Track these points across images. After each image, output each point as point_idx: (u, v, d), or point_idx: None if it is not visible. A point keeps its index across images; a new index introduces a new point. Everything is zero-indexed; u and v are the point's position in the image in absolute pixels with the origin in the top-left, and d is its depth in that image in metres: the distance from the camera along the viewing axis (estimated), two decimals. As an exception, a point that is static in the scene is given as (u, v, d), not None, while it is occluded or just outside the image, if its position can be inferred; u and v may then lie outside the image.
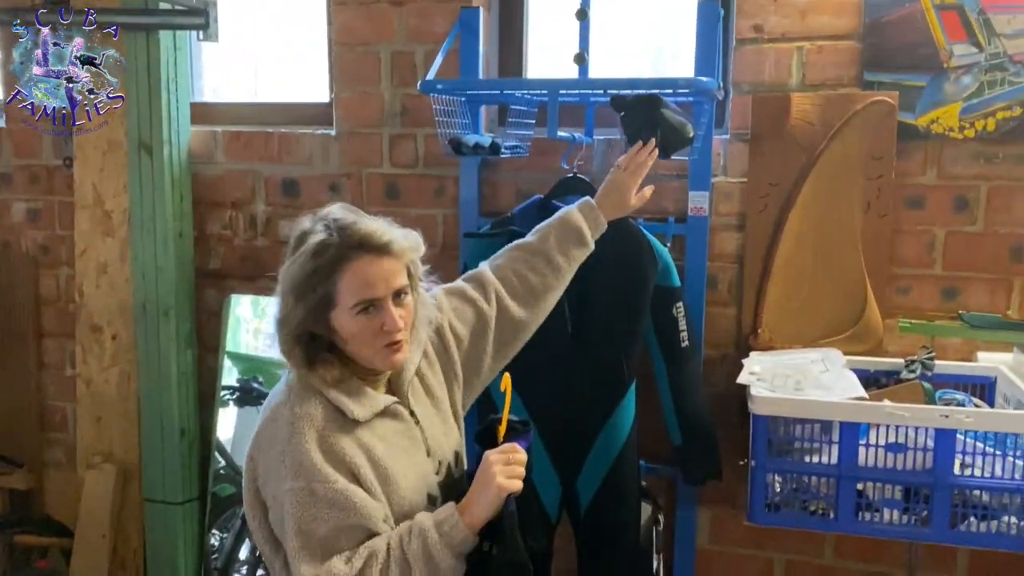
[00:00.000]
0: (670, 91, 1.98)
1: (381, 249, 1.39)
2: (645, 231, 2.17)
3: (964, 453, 1.90)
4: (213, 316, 2.87)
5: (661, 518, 2.33)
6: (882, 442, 1.92)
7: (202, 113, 2.87)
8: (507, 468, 1.37)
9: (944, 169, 2.25)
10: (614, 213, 1.79)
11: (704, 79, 2.03)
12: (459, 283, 1.67)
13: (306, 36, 2.86)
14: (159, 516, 2.85)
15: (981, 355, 2.25)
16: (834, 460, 1.95)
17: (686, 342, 2.20)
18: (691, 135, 1.88)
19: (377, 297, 1.38)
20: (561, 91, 2.05)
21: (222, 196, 2.83)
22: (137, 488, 2.90)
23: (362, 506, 1.35)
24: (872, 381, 2.21)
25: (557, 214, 1.75)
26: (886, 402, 1.95)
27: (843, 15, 2.26)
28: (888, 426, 1.91)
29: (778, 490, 2.03)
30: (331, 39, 2.69)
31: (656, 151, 1.82)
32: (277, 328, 1.42)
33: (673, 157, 1.93)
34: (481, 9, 2.42)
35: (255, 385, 2.81)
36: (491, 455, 1.39)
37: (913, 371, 2.15)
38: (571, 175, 2.23)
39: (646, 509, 2.26)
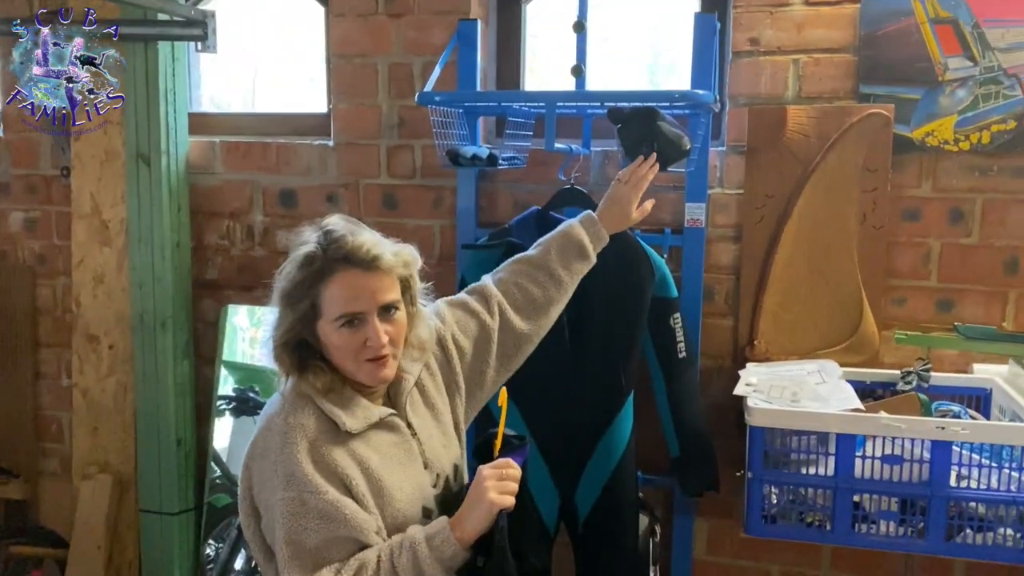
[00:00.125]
0: (667, 103, 1.99)
1: (367, 264, 1.39)
2: (643, 242, 2.18)
3: (960, 465, 1.91)
4: (210, 326, 2.87)
5: (658, 529, 2.33)
6: (878, 454, 1.92)
7: (200, 123, 2.88)
8: (500, 484, 1.37)
9: (939, 181, 2.26)
10: (615, 227, 1.79)
11: (700, 92, 2.04)
12: (462, 295, 1.68)
13: (304, 47, 2.87)
14: (155, 527, 2.84)
15: (976, 367, 2.26)
16: (830, 472, 1.95)
17: (684, 353, 2.20)
18: (688, 147, 1.89)
19: (360, 311, 1.39)
20: (558, 103, 2.05)
21: (220, 206, 2.83)
22: (133, 498, 2.89)
23: (352, 518, 1.35)
24: (868, 393, 2.22)
25: (559, 227, 1.76)
26: (882, 414, 1.95)
27: (839, 28, 2.27)
28: (884, 438, 1.91)
29: (775, 502, 2.03)
30: (329, 51, 2.70)
31: (657, 165, 1.83)
32: (270, 333, 1.44)
33: (670, 169, 1.94)
34: (479, 21, 2.43)
35: (251, 395, 2.81)
36: (484, 470, 1.39)
37: (909, 383, 2.16)
38: (568, 186, 2.24)
39: (643, 520, 2.26)
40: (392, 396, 1.51)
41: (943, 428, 1.87)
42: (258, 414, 1.50)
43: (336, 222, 1.44)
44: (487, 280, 1.70)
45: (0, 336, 3.07)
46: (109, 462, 2.90)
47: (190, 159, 2.82)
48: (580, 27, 2.17)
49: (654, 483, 2.42)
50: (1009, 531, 1.90)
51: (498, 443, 1.44)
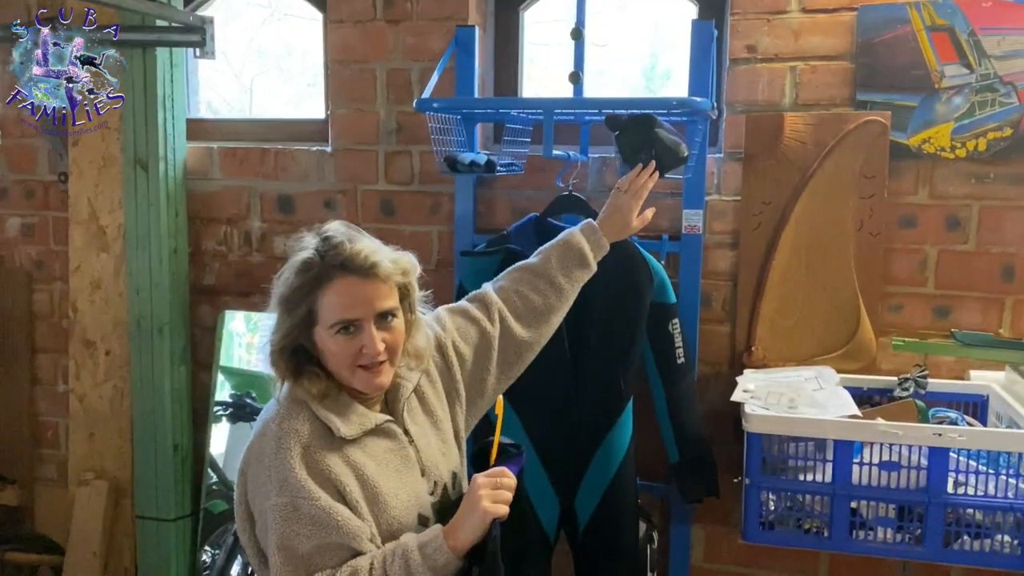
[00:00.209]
0: (664, 111, 1.99)
1: (365, 271, 1.39)
2: (641, 248, 2.18)
3: (957, 471, 1.91)
4: (207, 332, 2.87)
5: (655, 536, 2.33)
6: (876, 460, 1.92)
7: (198, 129, 2.88)
8: (494, 492, 1.36)
9: (936, 188, 2.27)
10: (616, 235, 1.79)
11: (698, 99, 2.04)
12: (462, 303, 1.68)
13: (303, 53, 2.88)
14: (151, 533, 2.83)
15: (973, 373, 2.26)
16: (828, 478, 1.95)
17: (682, 358, 2.21)
18: (685, 154, 1.89)
19: (356, 318, 1.39)
20: (556, 110, 2.06)
21: (217, 212, 2.83)
22: (129, 505, 2.88)
23: (345, 524, 1.34)
24: (865, 399, 2.22)
25: (559, 236, 1.76)
26: (880, 420, 1.95)
27: (836, 36, 2.28)
28: (882, 444, 1.91)
29: (772, 508, 2.03)
30: (327, 56, 2.70)
31: (656, 173, 1.83)
32: (267, 338, 1.44)
33: (667, 176, 1.94)
34: (477, 28, 2.44)
35: (248, 401, 2.81)
36: (479, 478, 1.39)
37: (906, 389, 2.16)
38: (566, 193, 2.24)
39: (640, 527, 2.26)
40: (390, 403, 1.50)
41: (940, 435, 1.87)
42: (255, 420, 1.50)
43: (336, 228, 1.44)
44: (488, 288, 1.70)
45: (-3, 342, 3.07)
46: (105, 468, 2.89)
47: (188, 165, 2.82)
48: (578, 34, 2.18)
49: (651, 490, 2.42)
50: (1006, 538, 1.90)
51: (494, 451, 1.44)
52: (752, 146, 2.33)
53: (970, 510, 1.91)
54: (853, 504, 1.96)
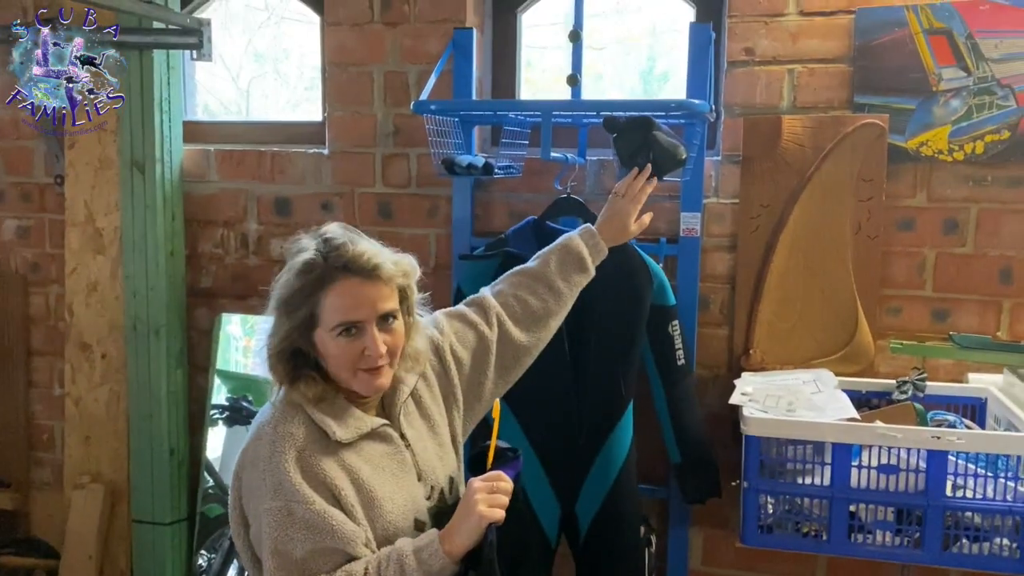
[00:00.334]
0: (662, 113, 1.99)
1: (367, 272, 1.38)
2: (640, 250, 2.18)
3: (956, 475, 1.91)
4: (204, 335, 2.86)
5: (653, 539, 2.32)
6: (874, 463, 1.92)
7: (195, 132, 2.87)
8: (490, 497, 1.36)
9: (934, 191, 2.27)
10: (614, 239, 1.79)
11: (696, 101, 2.04)
12: (460, 307, 1.67)
13: (299, 56, 2.87)
14: (147, 537, 2.82)
15: (972, 376, 2.26)
16: (826, 481, 1.95)
17: (682, 360, 2.21)
18: (683, 157, 1.89)
19: (359, 320, 1.38)
20: (554, 112, 2.06)
21: (214, 215, 2.82)
22: (125, 508, 2.87)
23: (339, 529, 1.34)
24: (864, 402, 2.22)
25: (558, 240, 1.75)
26: (878, 423, 1.95)
27: (833, 39, 2.28)
28: (880, 448, 1.91)
29: (771, 511, 2.02)
30: (324, 59, 2.70)
31: (655, 178, 1.83)
32: (265, 342, 1.43)
33: (665, 179, 1.94)
34: (474, 30, 2.44)
35: (245, 404, 2.80)
36: (475, 482, 1.38)
37: (905, 392, 2.16)
38: (565, 196, 2.24)
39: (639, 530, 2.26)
40: (386, 406, 1.50)
41: (939, 438, 1.87)
42: (251, 423, 1.49)
43: (335, 230, 1.43)
44: (486, 292, 1.69)
45: (-8, 345, 3.06)
46: (101, 472, 2.88)
47: (184, 167, 2.81)
48: (576, 36, 2.17)
49: (649, 493, 2.42)
50: (1005, 541, 1.90)
51: (491, 455, 1.43)
52: (750, 149, 2.33)
53: (969, 513, 1.91)
54: (852, 507, 1.95)
